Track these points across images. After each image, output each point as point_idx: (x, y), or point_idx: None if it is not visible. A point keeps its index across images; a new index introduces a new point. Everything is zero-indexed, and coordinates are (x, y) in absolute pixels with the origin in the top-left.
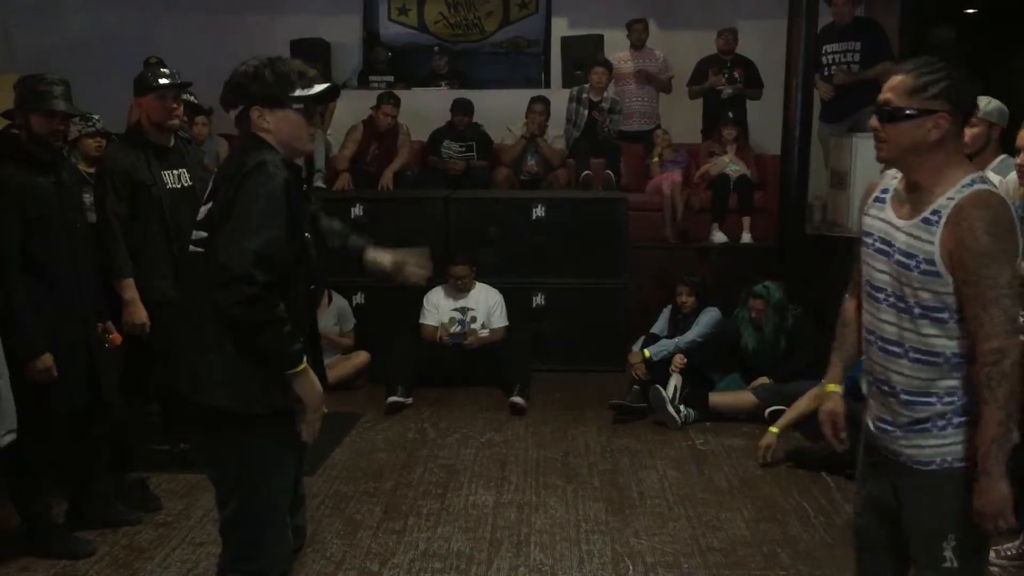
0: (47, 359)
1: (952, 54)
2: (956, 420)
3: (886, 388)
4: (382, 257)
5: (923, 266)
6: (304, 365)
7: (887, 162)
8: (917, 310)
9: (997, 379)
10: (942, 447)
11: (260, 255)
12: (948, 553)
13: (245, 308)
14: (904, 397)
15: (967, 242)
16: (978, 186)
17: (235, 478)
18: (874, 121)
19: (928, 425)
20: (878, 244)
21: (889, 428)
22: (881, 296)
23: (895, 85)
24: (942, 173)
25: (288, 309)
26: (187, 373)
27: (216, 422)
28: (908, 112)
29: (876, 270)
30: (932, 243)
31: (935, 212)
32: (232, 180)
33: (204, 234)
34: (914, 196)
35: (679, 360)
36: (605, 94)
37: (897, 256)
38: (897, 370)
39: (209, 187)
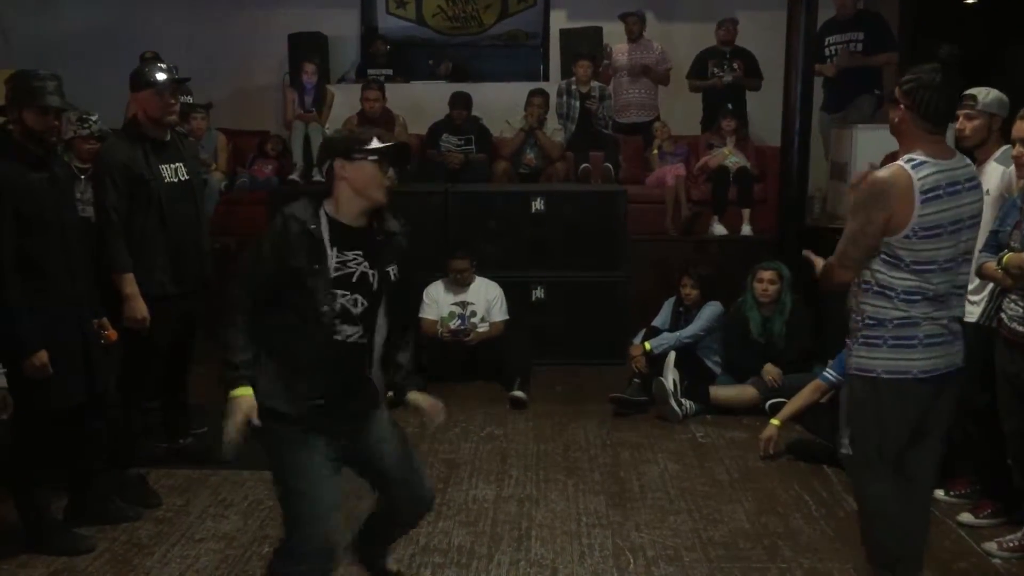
0: (42, 356)
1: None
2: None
3: None
4: (422, 399)
5: None
6: (234, 392)
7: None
8: None
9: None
10: None
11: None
12: None
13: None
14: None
15: None
16: (894, 164)
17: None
18: None
19: None
20: None
21: None
22: None
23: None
24: (899, 154)
25: (293, 327)
26: None
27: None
28: (892, 98)
29: None
30: None
31: None
32: None
33: None
34: None
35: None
36: (592, 83)
37: None
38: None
39: None
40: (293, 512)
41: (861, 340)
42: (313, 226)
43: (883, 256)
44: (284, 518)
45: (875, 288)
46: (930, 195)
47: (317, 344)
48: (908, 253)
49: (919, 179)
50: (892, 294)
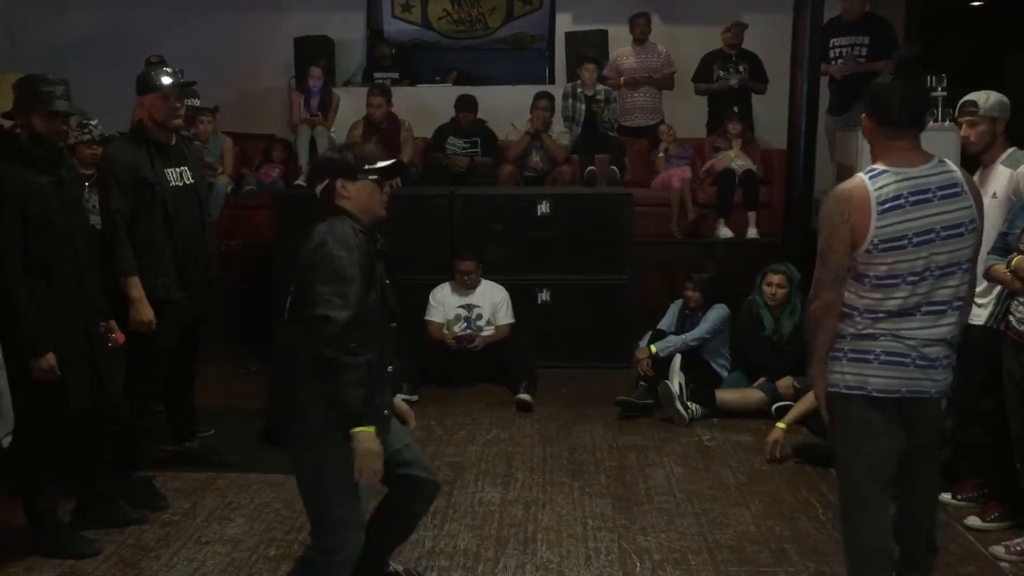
0: (50, 358)
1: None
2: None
3: None
4: (401, 404)
5: None
6: (359, 429)
7: None
8: None
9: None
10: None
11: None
12: None
13: (329, 344)
14: None
15: None
16: (855, 176)
17: None
18: None
19: None
20: None
21: None
22: None
23: None
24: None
25: (368, 344)
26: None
27: None
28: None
29: None
30: None
31: None
32: (307, 252)
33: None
34: None
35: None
36: (598, 86)
37: None
38: None
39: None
40: (332, 518)
41: (830, 356)
42: (368, 240)
43: (851, 276)
44: (318, 523)
45: (843, 309)
46: (888, 206)
47: (388, 346)
48: (871, 268)
49: (875, 190)
50: (855, 313)
